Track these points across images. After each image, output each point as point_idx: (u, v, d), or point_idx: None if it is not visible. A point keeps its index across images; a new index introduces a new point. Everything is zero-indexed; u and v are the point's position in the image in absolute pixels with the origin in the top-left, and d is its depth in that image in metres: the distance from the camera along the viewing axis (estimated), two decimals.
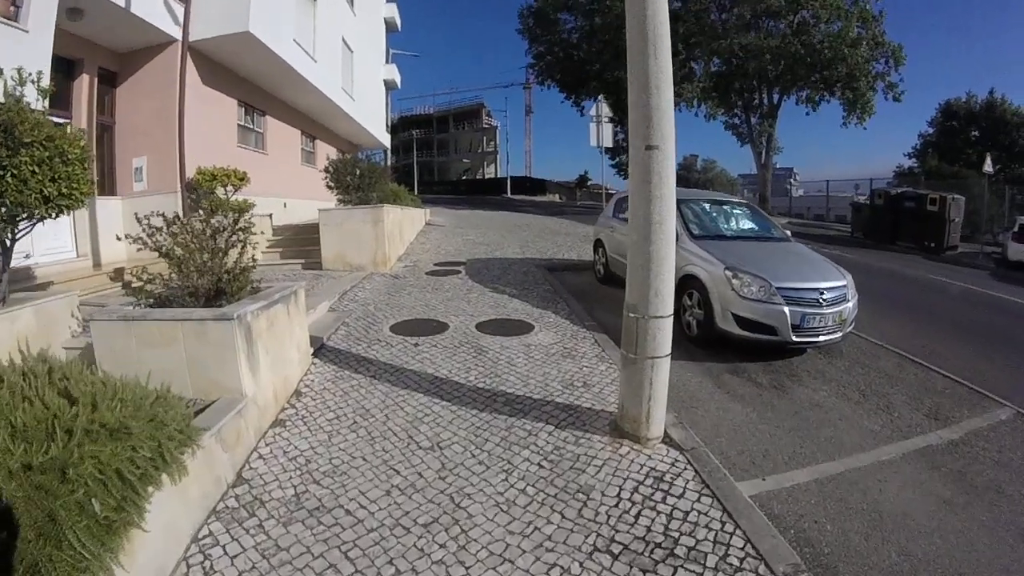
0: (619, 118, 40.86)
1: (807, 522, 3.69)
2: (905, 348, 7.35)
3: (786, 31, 32.03)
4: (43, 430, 2.74)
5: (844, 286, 6.98)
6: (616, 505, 3.54)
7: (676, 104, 31.73)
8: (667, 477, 3.88)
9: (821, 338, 6.64)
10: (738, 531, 3.31)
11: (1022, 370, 6.86)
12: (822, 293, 6.68)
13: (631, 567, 2.98)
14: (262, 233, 12.12)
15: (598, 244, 11.03)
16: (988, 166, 21.27)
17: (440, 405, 4.86)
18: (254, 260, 4.90)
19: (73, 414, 2.90)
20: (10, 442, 2.59)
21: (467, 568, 2.97)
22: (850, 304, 6.89)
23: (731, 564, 3.03)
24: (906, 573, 3.27)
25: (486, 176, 75.57)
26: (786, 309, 6.46)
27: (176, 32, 11.54)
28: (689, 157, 76.92)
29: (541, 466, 3.97)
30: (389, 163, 37.32)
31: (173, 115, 11.53)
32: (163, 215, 4.76)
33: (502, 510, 3.47)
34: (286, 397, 4.96)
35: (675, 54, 39.16)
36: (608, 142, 17.59)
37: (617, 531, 3.28)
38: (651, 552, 3.11)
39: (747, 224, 8.95)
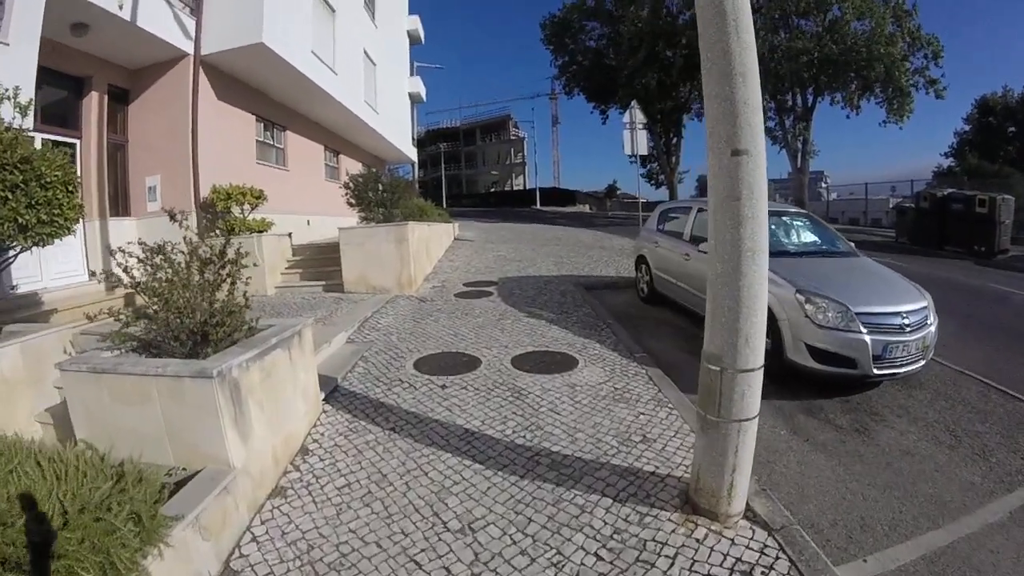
0: (649, 126, 40.27)
1: None
2: (986, 374, 6.38)
3: (818, 30, 30.97)
4: None
5: (925, 307, 6.07)
6: None
7: (701, 109, 30.88)
8: (757, 573, 2.99)
9: (902, 369, 5.73)
10: None
11: None
12: (905, 317, 5.78)
13: None
14: (281, 254, 11.48)
15: (640, 260, 10.13)
16: None
17: (472, 469, 4.00)
18: (247, 297, 4.09)
19: None
20: None
21: None
22: (932, 328, 6.00)
23: None
24: None
25: (514, 188, 75.14)
26: (867, 338, 5.55)
27: (187, 46, 11.05)
28: None
29: (599, 557, 3.10)
30: (416, 177, 36.81)
31: (186, 132, 11.03)
32: (144, 243, 3.99)
33: None
34: (289, 457, 4.15)
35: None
36: (643, 150, 16.68)
37: None
38: None
39: (809, 237, 8.00)
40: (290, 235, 12.06)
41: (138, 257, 3.88)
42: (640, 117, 16.44)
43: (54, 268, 9.22)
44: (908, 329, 5.71)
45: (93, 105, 10.47)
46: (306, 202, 16.54)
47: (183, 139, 11.04)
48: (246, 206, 11.39)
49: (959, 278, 13.21)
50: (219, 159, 11.86)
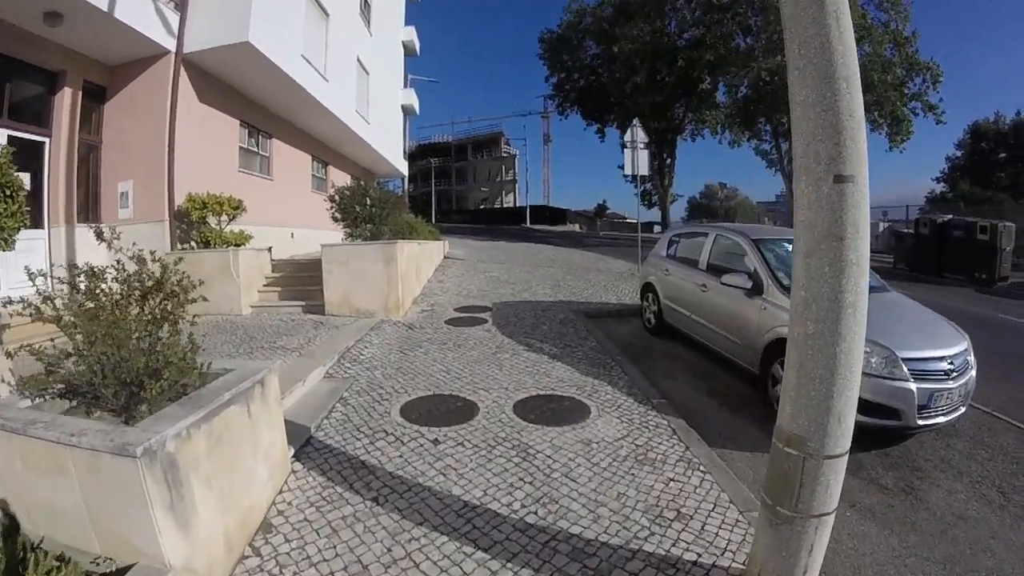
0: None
1: None
2: (1017, 415, 5.88)
3: None
4: None
5: (966, 350, 5.47)
6: None
7: (698, 132, 30.79)
8: None
9: (945, 418, 5.12)
10: None
11: None
12: (950, 362, 5.16)
13: None
14: (260, 270, 10.64)
15: (648, 288, 9.40)
16: None
17: (474, 559, 3.17)
18: (193, 341, 3.28)
19: None
20: None
21: None
22: (973, 372, 5.40)
23: None
24: None
25: (504, 205, 74.77)
26: (913, 386, 4.89)
27: (170, 43, 10.29)
28: (712, 185, 75.21)
29: None
30: (406, 191, 36.04)
31: (163, 134, 10.20)
32: (71, 266, 3.18)
33: None
34: (247, 538, 3.31)
35: (698, 81, 38.44)
36: (644, 170, 15.99)
37: None
38: None
39: None
40: (270, 249, 11.21)
41: (69, 280, 3.11)
42: (642, 136, 15.79)
43: (16, 277, 8.35)
44: (953, 375, 5.11)
45: (66, 102, 9.72)
46: (291, 214, 15.71)
47: (159, 142, 10.27)
48: (223, 217, 10.57)
49: (963, 306, 12.55)
50: (198, 165, 11.07)
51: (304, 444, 4.47)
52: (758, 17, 32.04)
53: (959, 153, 48.40)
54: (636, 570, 3.12)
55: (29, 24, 8.55)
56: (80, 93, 9.98)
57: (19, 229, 5.17)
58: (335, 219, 10.23)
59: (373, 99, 20.80)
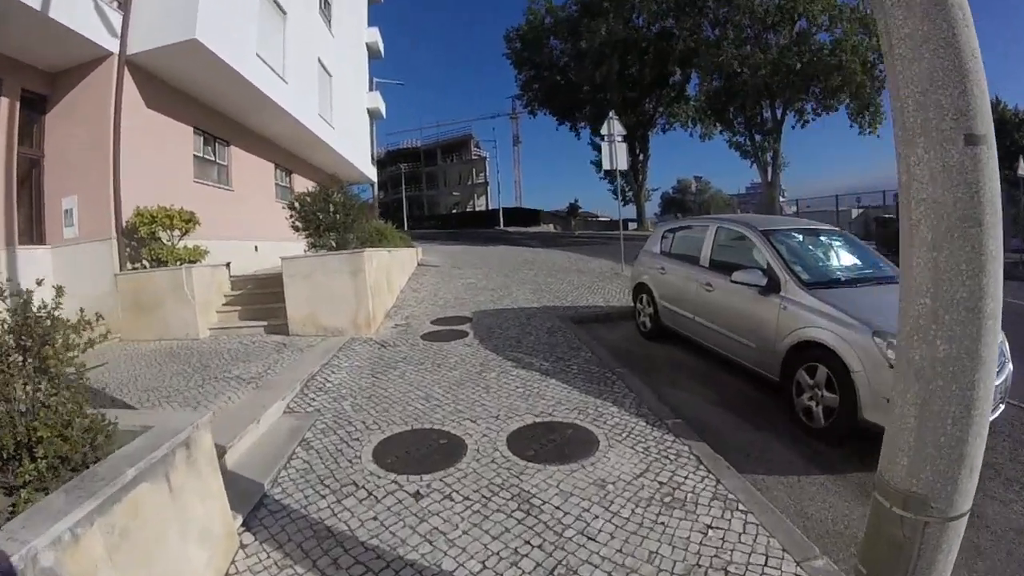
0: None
1: None
2: None
3: (784, 42, 30.51)
4: None
5: (1002, 342, 4.75)
6: None
7: (669, 126, 30.40)
8: None
9: None
10: None
11: None
12: None
13: None
14: (216, 288, 9.72)
15: (641, 289, 8.67)
16: (1022, 168, 20.00)
17: None
18: (79, 398, 2.45)
19: None
20: None
21: None
22: (1010, 367, 4.85)
23: None
24: None
25: (477, 208, 74.03)
26: None
27: (112, 44, 9.38)
28: (685, 180, 75.09)
29: None
30: (376, 198, 35.03)
31: (107, 144, 9.24)
32: None
33: None
34: None
35: (669, 74, 38.08)
36: (623, 164, 15.32)
37: None
38: None
39: (850, 259, 6.64)
40: (227, 265, 10.29)
41: None
42: (619, 129, 15.15)
43: None
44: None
45: (2, 113, 8.79)
46: (254, 226, 14.72)
47: (103, 153, 9.28)
48: (175, 232, 9.64)
49: None
50: (148, 176, 10.12)
51: (256, 507, 3.62)
52: (725, 8, 31.73)
53: None
54: None
55: None
56: (18, 103, 9.06)
57: None
58: (296, 228, 9.33)
59: (337, 102, 19.84)
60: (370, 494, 3.76)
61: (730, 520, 3.45)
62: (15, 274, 8.74)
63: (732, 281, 6.12)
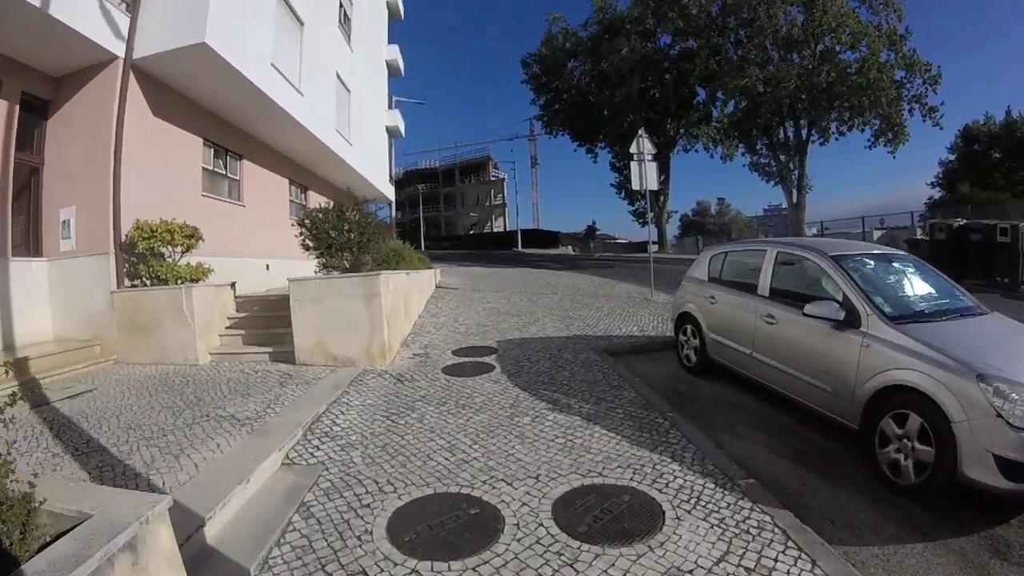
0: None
1: None
2: None
3: (813, 63, 29.78)
4: None
5: None
6: None
7: (690, 147, 29.87)
8: None
9: None
10: None
11: None
12: None
13: None
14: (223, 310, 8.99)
15: (685, 319, 7.81)
16: None
17: None
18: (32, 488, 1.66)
19: None
20: None
21: None
22: None
23: None
24: None
25: (494, 229, 73.67)
26: None
27: (118, 47, 8.83)
28: (704, 201, 74.18)
29: None
30: (393, 218, 34.46)
31: (107, 152, 8.65)
32: None
33: None
34: None
35: (693, 95, 37.43)
36: (654, 184, 14.51)
37: None
38: None
39: (925, 288, 5.80)
40: (233, 285, 9.55)
41: None
42: (649, 147, 14.36)
43: None
44: None
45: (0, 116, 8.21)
46: (266, 243, 14.03)
47: (104, 161, 8.68)
48: (177, 248, 8.94)
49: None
50: (152, 188, 9.52)
51: None
52: (746, 29, 31.10)
53: (952, 156, 48.25)
54: None
55: None
56: (16, 106, 8.48)
57: None
58: (306, 247, 8.56)
59: (355, 118, 19.26)
60: None
61: None
62: (7, 287, 8.11)
63: (804, 314, 5.27)
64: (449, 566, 3.08)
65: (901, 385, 4.33)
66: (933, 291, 5.72)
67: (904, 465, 4.24)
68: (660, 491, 3.98)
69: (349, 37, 18.81)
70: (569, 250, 58.32)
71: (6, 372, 6.39)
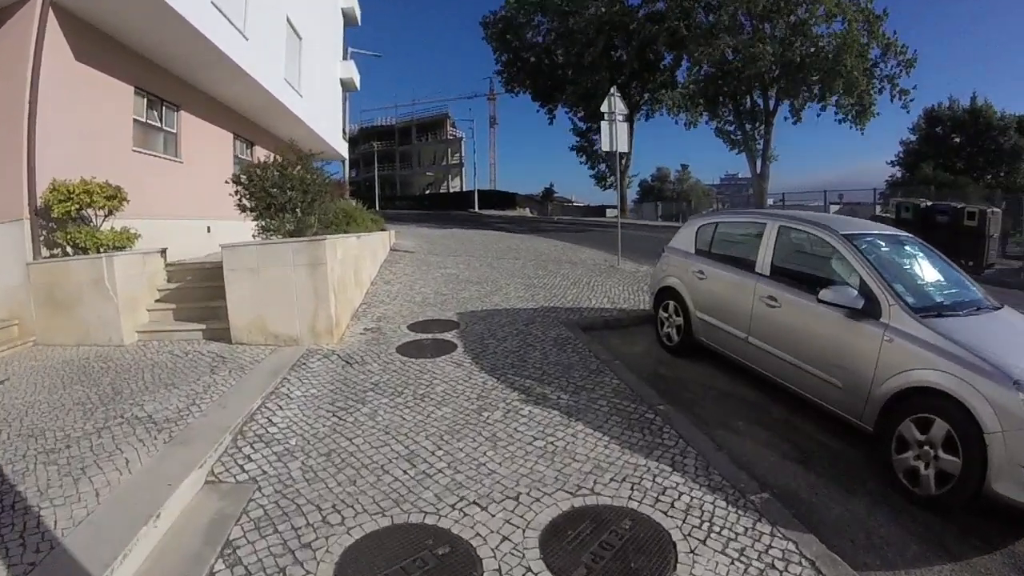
0: (597, 127, 37.78)
1: None
2: None
3: (784, 33, 29.15)
4: None
5: None
6: None
7: (652, 112, 28.94)
8: None
9: None
10: None
11: None
12: None
13: None
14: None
15: (666, 294, 7.14)
16: None
17: None
18: None
19: None
20: None
21: None
22: None
23: None
24: None
25: (451, 190, 72.30)
26: None
27: None
28: (664, 168, 73.71)
29: None
30: (347, 176, 32.98)
31: (21, 103, 7.41)
32: None
33: None
34: None
35: (659, 58, 36.49)
36: (624, 146, 13.78)
37: None
38: None
39: (935, 275, 5.22)
40: (164, 252, 8.50)
41: None
42: (621, 107, 13.59)
43: None
44: None
45: None
46: (207, 203, 12.71)
47: (17, 113, 7.45)
48: (98, 211, 7.86)
49: None
50: (74, 144, 8.32)
51: None
52: None
53: (913, 137, 48.63)
54: None
55: None
56: None
57: None
58: (242, 208, 7.57)
59: (306, 68, 17.88)
60: None
61: None
62: None
63: (819, 300, 4.62)
64: None
65: (927, 387, 3.83)
66: (944, 279, 5.16)
67: (924, 474, 3.78)
68: (666, 514, 3.31)
69: None
70: (527, 212, 57.60)
71: None
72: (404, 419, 4.62)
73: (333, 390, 5.30)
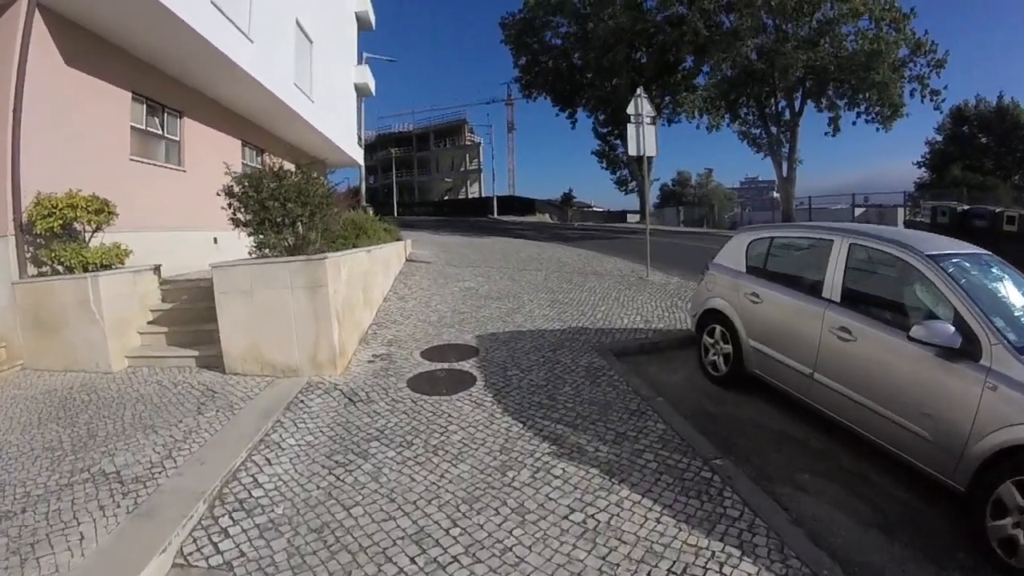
0: (618, 131, 36.99)
1: None
2: None
3: (809, 33, 28.25)
4: None
5: None
6: None
7: (674, 116, 27.76)
8: None
9: None
10: None
11: None
12: None
13: None
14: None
15: (712, 318, 6.34)
16: None
17: None
18: None
19: None
20: None
21: None
22: None
23: None
24: None
25: (469, 195, 71.78)
26: None
27: None
28: (685, 172, 72.62)
29: None
30: (363, 183, 32.41)
31: (6, 110, 6.89)
32: None
33: None
34: None
35: (679, 61, 35.58)
36: (652, 150, 12.97)
37: None
38: None
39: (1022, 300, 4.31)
40: (157, 269, 7.87)
41: None
42: (648, 109, 12.80)
43: None
44: None
45: None
46: (214, 214, 12.17)
47: (2, 122, 6.91)
48: (86, 225, 7.25)
49: None
50: (64, 154, 7.79)
51: None
52: None
53: (939, 137, 47.33)
54: None
55: None
56: None
57: None
58: (236, 223, 6.88)
59: (318, 73, 17.32)
60: None
61: None
62: None
63: (910, 338, 3.80)
64: None
65: None
66: None
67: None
68: None
69: None
70: (546, 218, 56.95)
71: None
72: (414, 480, 3.87)
73: (332, 437, 4.58)
